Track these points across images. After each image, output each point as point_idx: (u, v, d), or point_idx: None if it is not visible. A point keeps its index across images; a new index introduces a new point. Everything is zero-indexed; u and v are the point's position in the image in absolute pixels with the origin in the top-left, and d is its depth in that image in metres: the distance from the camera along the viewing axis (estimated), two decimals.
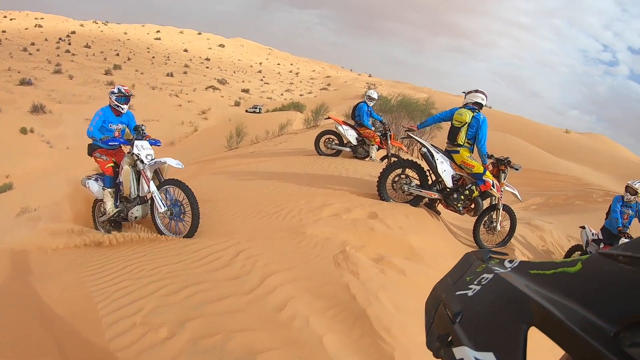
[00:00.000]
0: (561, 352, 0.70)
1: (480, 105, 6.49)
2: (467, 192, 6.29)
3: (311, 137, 12.14)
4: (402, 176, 6.59)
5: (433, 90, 75.85)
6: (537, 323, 0.74)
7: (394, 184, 6.63)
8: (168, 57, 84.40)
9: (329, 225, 5.33)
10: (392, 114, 17.47)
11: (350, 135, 10.64)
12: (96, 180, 6.24)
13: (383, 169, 6.61)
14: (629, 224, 7.37)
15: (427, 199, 6.71)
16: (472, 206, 6.49)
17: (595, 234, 7.62)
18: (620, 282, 0.67)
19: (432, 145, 6.47)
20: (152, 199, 5.58)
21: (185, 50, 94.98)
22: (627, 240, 6.78)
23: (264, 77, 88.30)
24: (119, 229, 6.09)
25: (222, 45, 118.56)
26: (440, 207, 6.88)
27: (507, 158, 6.67)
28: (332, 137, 11.12)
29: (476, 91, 6.55)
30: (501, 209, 6.64)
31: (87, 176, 6.40)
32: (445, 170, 6.34)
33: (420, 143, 6.45)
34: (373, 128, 10.75)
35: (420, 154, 6.41)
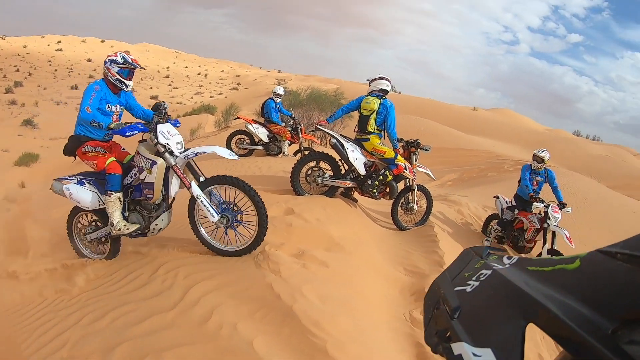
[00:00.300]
0: (559, 349, 0.72)
1: (385, 92, 6.69)
2: (381, 177, 6.49)
3: (223, 139, 11.96)
4: (315, 169, 6.67)
5: (343, 81, 76.88)
6: (535, 320, 0.77)
7: (308, 178, 6.69)
8: (71, 68, 79.44)
9: None
10: (302, 108, 17.67)
11: (261, 133, 10.71)
12: (80, 183, 4.66)
13: (295, 164, 6.64)
14: (539, 190, 8.03)
15: (342, 189, 6.85)
16: (387, 190, 6.70)
17: (509, 201, 8.19)
18: (618, 280, 0.69)
19: (341, 135, 6.63)
20: (191, 202, 4.53)
21: (89, 60, 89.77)
22: (539, 204, 7.28)
23: (172, 81, 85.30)
24: (116, 250, 4.88)
25: (127, 52, 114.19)
26: (356, 195, 7.05)
27: (417, 140, 6.95)
28: (243, 137, 11.10)
29: (380, 78, 6.74)
30: (416, 189, 6.91)
31: (58, 179, 4.80)
32: (357, 158, 6.49)
33: (329, 134, 6.56)
34: (283, 124, 10.90)
35: (331, 145, 6.52)
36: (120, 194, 4.54)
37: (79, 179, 4.73)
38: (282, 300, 3.55)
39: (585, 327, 0.65)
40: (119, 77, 4.65)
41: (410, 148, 6.91)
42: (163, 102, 4.82)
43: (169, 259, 4.43)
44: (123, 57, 4.70)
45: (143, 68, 5.18)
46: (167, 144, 4.37)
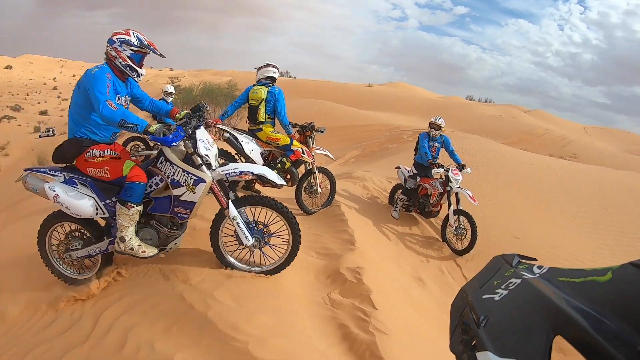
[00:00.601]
0: None
1: (273, 79, 6.68)
2: (280, 165, 6.48)
3: None
4: None
5: (237, 72, 76.49)
6: (563, 332, 0.75)
7: None
8: None
9: None
10: (196, 104, 17.32)
11: None
12: (69, 183, 3.82)
13: None
14: (438, 155, 8.45)
15: (242, 182, 6.70)
16: (288, 177, 6.69)
17: (410, 170, 8.43)
18: None
19: (233, 128, 6.54)
20: (216, 222, 4.06)
21: None
22: (439, 169, 7.62)
23: (60, 93, 79.63)
24: (108, 262, 4.19)
25: (9, 67, 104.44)
26: (258, 187, 6.92)
27: (311, 123, 7.00)
28: (139, 143, 10.60)
29: (267, 66, 6.72)
30: (317, 172, 6.92)
31: (31, 171, 3.97)
32: (253, 149, 6.44)
33: (221, 129, 6.40)
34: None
35: (224, 139, 6.37)
36: (141, 207, 3.80)
37: (66, 177, 3.85)
38: (196, 309, 3.46)
39: (614, 342, 0.64)
40: (130, 62, 3.86)
41: (306, 132, 6.94)
42: (204, 103, 4.21)
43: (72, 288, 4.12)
44: (138, 38, 3.88)
45: (163, 56, 4.33)
46: (207, 155, 3.84)
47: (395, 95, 43.66)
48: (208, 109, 4.12)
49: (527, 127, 34.19)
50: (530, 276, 1.06)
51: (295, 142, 6.58)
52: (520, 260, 1.27)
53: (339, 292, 4.39)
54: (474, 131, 25.35)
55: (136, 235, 3.85)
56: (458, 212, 7.39)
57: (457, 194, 7.51)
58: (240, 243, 4.01)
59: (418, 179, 8.23)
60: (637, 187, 11.74)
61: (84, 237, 4.09)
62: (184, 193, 3.75)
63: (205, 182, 3.73)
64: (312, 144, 6.88)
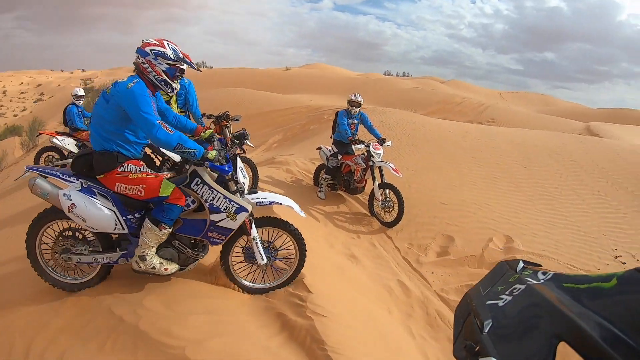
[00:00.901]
0: None
1: (182, 71, 6.43)
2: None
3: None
4: None
5: None
6: (567, 338, 0.75)
7: None
8: None
9: None
10: (239, 131, 16.86)
11: (69, 144, 9.78)
12: (87, 192, 3.54)
13: None
14: (357, 132, 8.52)
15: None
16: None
17: (331, 149, 8.42)
18: None
19: None
20: (230, 242, 3.95)
21: None
22: (359, 145, 7.67)
23: None
24: (106, 272, 3.95)
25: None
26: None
27: (226, 112, 6.93)
28: (52, 153, 10.13)
29: None
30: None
31: (36, 170, 3.69)
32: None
33: None
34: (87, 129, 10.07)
35: None
36: (171, 229, 3.63)
37: (84, 184, 3.56)
38: (126, 321, 3.34)
39: (618, 349, 0.64)
40: (165, 77, 3.63)
41: (221, 122, 6.81)
42: (244, 130, 4.25)
43: None
44: (174, 50, 3.65)
45: (199, 70, 4.22)
46: (244, 183, 3.84)
47: (314, 77, 44.01)
48: (249, 137, 4.19)
49: (445, 96, 35.40)
50: (535, 282, 1.06)
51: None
52: (525, 266, 1.29)
53: None
54: (394, 105, 25.92)
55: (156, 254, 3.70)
56: (383, 186, 7.51)
57: (380, 168, 7.63)
58: (252, 262, 4.06)
59: (340, 157, 8.30)
60: (552, 145, 12.40)
61: (86, 240, 3.81)
62: (223, 219, 3.69)
63: (247, 211, 3.73)
64: (229, 133, 6.74)
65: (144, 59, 3.58)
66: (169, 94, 3.79)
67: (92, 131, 3.62)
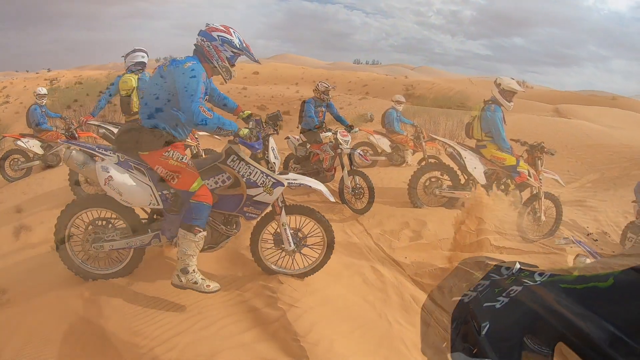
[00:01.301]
0: None
1: (143, 65, 6.43)
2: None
3: None
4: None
5: (119, 64, 73.12)
6: (565, 338, 0.77)
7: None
8: None
9: None
10: (274, 112, 16.78)
11: (33, 146, 9.86)
12: (124, 165, 3.59)
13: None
14: (324, 120, 8.53)
15: None
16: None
17: (299, 138, 8.36)
18: None
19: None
20: (259, 227, 4.13)
21: None
22: (327, 133, 7.72)
23: None
24: (139, 258, 4.00)
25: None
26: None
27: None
28: (17, 156, 10.05)
29: (134, 51, 6.50)
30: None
31: (71, 143, 3.75)
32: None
33: (93, 125, 6.10)
34: (54, 128, 10.17)
35: (100, 136, 6.09)
36: (206, 232, 3.61)
37: (121, 158, 3.58)
38: (95, 324, 3.32)
39: (616, 347, 0.65)
40: (227, 64, 3.67)
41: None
42: (278, 111, 4.16)
43: None
44: (239, 40, 3.68)
45: (258, 62, 4.31)
46: (274, 163, 3.91)
47: (282, 67, 43.87)
48: (282, 119, 4.20)
49: (415, 82, 35.61)
50: (532, 283, 1.06)
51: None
52: (522, 267, 1.28)
53: (243, 274, 4.34)
54: (363, 93, 25.98)
55: None
56: (352, 173, 7.50)
57: (349, 155, 7.63)
58: (280, 247, 4.18)
59: (308, 145, 8.29)
60: (525, 127, 12.56)
61: (115, 226, 3.83)
62: (259, 194, 3.80)
63: (283, 185, 3.85)
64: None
65: (210, 44, 3.63)
66: (226, 80, 3.78)
67: (144, 107, 3.64)
